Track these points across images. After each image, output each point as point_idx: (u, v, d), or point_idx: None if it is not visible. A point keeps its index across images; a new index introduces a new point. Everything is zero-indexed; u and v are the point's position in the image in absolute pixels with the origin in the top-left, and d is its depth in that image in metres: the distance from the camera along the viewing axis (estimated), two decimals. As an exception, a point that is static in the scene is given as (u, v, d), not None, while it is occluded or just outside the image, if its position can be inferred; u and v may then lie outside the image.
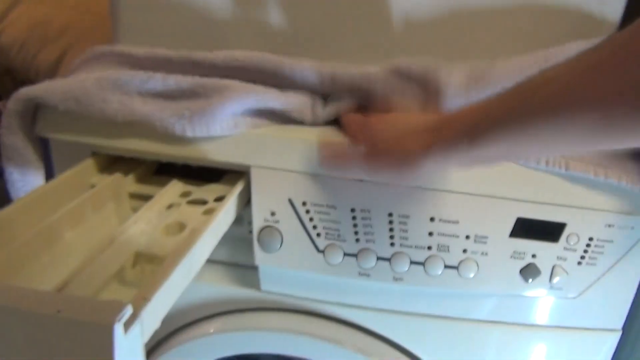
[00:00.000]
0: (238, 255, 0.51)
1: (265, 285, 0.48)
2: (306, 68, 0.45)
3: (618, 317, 0.47)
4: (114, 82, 0.46)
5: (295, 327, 0.48)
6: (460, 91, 0.41)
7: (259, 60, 0.46)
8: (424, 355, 0.49)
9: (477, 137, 0.32)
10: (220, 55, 0.47)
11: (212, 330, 0.50)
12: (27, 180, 0.50)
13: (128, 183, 0.48)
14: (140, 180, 0.50)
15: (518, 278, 0.44)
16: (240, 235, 0.50)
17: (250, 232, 0.49)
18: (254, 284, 0.49)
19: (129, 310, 0.27)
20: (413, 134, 0.37)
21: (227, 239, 0.49)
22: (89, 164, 0.48)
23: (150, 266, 0.38)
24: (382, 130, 0.40)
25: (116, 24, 0.52)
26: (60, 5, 1.09)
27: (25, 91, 0.45)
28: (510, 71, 0.42)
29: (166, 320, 0.49)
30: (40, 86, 0.46)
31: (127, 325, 0.27)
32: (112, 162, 0.51)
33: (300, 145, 0.43)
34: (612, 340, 0.48)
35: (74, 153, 0.49)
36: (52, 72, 1.05)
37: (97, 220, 0.44)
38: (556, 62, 0.29)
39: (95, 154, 0.49)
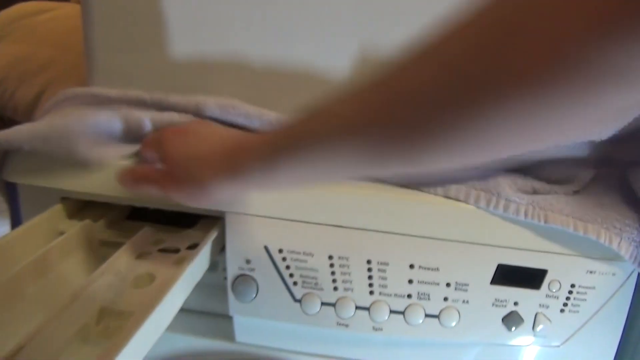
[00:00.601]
0: (212, 303, 0.49)
1: (240, 336, 0.46)
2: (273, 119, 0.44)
3: (604, 363, 0.46)
4: (83, 122, 0.45)
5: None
6: None
7: (227, 107, 0.45)
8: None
9: (270, 163, 0.30)
10: (192, 100, 0.47)
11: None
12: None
13: (98, 229, 0.47)
14: (112, 226, 0.48)
15: (501, 326, 0.43)
16: (215, 282, 0.48)
17: (225, 278, 0.48)
18: (229, 334, 0.47)
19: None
20: (206, 155, 0.34)
21: (201, 287, 0.47)
22: (57, 209, 0.47)
23: (117, 322, 0.36)
24: (174, 147, 0.37)
25: (90, 65, 0.52)
26: (42, 43, 1.09)
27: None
28: None
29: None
30: (7, 130, 0.44)
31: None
32: (83, 207, 0.49)
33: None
34: (598, 389, 0.46)
35: (43, 198, 0.47)
36: (30, 109, 1.04)
37: (63, 270, 0.42)
38: None
39: (64, 199, 0.48)
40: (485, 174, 0.43)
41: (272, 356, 0.46)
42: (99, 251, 0.46)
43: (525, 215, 0.40)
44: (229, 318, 0.47)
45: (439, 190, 0.42)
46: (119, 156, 0.45)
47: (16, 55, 0.99)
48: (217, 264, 0.48)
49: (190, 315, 0.49)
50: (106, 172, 0.45)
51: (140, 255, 0.42)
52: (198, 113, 0.46)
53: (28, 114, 1.05)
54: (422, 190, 0.42)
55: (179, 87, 0.49)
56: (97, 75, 0.52)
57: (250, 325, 0.46)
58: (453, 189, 0.41)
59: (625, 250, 0.40)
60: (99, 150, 0.44)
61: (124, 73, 0.51)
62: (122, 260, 0.41)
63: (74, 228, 0.44)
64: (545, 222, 0.39)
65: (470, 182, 0.42)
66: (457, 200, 0.41)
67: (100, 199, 0.47)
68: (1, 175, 0.46)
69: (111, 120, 0.45)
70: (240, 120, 0.45)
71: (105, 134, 0.46)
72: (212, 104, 0.46)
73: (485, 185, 0.41)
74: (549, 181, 0.44)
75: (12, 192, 0.48)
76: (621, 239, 0.40)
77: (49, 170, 0.45)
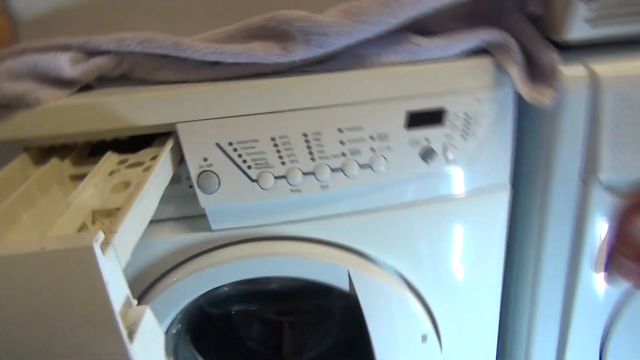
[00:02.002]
0: (185, 209, 0.56)
1: (214, 224, 0.54)
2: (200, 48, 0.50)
3: (505, 174, 0.58)
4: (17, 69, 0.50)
5: (249, 253, 0.54)
6: (338, 28, 0.48)
7: (146, 40, 0.51)
8: (366, 248, 0.58)
9: None
10: (113, 37, 0.52)
11: (174, 279, 0.55)
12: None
13: (66, 167, 0.52)
14: (77, 163, 0.54)
15: (419, 161, 0.53)
16: (182, 192, 0.55)
17: (190, 186, 0.55)
18: (206, 227, 0.55)
19: (101, 236, 0.32)
20: None
21: (172, 198, 0.55)
22: (23, 159, 0.52)
23: (109, 219, 0.43)
24: None
25: (15, 25, 0.55)
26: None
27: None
28: (380, 1, 0.49)
29: (134, 280, 0.55)
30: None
31: (103, 247, 0.32)
32: (45, 155, 0.54)
33: (216, 93, 0.49)
34: (505, 195, 0.58)
35: (7, 152, 0.52)
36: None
37: (46, 201, 0.48)
38: None
39: (27, 148, 0.53)
40: (394, 38, 0.51)
41: (245, 234, 0.55)
42: (71, 185, 0.52)
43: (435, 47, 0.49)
44: (202, 216, 0.55)
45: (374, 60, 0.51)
46: (56, 97, 0.50)
47: None
48: (180, 176, 0.55)
49: (172, 222, 0.56)
50: (55, 114, 0.50)
51: (112, 173, 0.49)
52: (120, 49, 0.52)
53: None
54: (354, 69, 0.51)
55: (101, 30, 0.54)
56: (22, 33, 0.55)
57: (220, 213, 0.54)
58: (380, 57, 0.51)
59: (516, 75, 0.50)
60: (34, 93, 0.49)
61: (47, 25, 0.55)
62: (97, 177, 0.47)
63: (44, 168, 0.49)
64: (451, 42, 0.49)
65: (386, 46, 0.51)
66: (381, 65, 0.50)
67: (59, 141, 0.53)
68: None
69: (36, 64, 0.50)
70: (167, 52, 0.51)
71: (37, 78, 0.51)
72: (131, 40, 0.52)
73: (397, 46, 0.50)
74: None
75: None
76: (514, 65, 0.50)
77: (6, 123, 0.50)
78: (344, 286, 0.56)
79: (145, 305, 0.36)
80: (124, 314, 0.33)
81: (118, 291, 0.33)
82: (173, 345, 0.66)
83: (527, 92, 0.50)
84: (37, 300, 0.32)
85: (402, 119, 0.52)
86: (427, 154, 0.53)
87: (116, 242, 0.35)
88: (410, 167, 0.53)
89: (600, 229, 0.57)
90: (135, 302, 0.36)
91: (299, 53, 0.49)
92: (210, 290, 0.58)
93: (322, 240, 0.57)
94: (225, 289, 0.70)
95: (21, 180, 0.50)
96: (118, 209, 0.43)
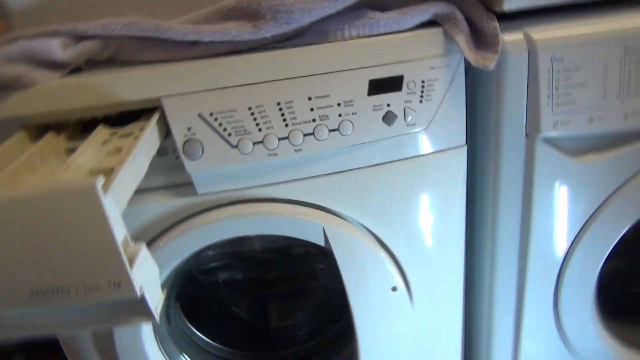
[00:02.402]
0: (172, 178, 0.61)
1: (200, 189, 0.60)
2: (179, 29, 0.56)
3: (460, 134, 0.64)
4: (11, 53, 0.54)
5: (232, 213, 0.60)
6: (301, 5, 0.54)
7: (129, 24, 0.56)
8: (339, 207, 0.63)
9: None
10: (99, 23, 0.57)
11: (161, 244, 0.61)
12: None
13: (61, 142, 0.57)
14: (71, 139, 0.59)
15: (383, 125, 0.60)
16: (169, 163, 0.61)
17: (177, 158, 0.60)
18: (191, 192, 0.60)
19: (102, 179, 0.37)
20: None
21: (160, 170, 0.60)
22: (21, 135, 0.56)
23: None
24: None
25: (5, 16, 0.60)
26: None
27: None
28: None
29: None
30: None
31: (104, 189, 0.38)
32: (41, 133, 0.59)
33: (197, 69, 0.55)
34: (462, 154, 0.65)
35: (4, 132, 0.57)
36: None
37: (46, 169, 0.52)
38: None
39: (24, 126, 0.57)
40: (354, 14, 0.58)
41: (229, 197, 0.61)
42: (67, 157, 0.57)
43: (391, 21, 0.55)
44: (189, 184, 0.60)
45: (337, 35, 0.57)
46: (49, 78, 0.55)
47: None
48: (166, 149, 0.60)
49: (161, 190, 0.61)
50: (49, 93, 0.55)
51: (104, 142, 0.54)
52: (105, 33, 0.57)
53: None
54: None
55: (88, 17, 0.59)
56: (14, 23, 0.60)
57: (205, 177, 0.59)
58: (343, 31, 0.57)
59: (463, 42, 0.56)
60: (29, 75, 0.54)
61: (36, 16, 0.59)
62: (92, 145, 0.52)
63: (42, 140, 0.54)
64: (405, 15, 0.55)
65: (347, 22, 0.57)
66: (344, 39, 0.56)
67: (51, 118, 0.58)
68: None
69: (29, 49, 0.55)
70: (149, 34, 0.56)
71: (31, 62, 0.56)
72: (115, 24, 0.57)
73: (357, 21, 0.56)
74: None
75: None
76: (460, 33, 0.57)
77: (3, 103, 0.55)
78: (320, 242, 0.62)
79: (141, 242, 0.41)
80: (124, 246, 0.39)
81: (118, 228, 0.38)
82: (165, 309, 0.71)
83: (473, 57, 0.57)
84: (47, 237, 0.37)
85: (365, 86, 0.58)
86: (389, 118, 0.59)
87: (114, 187, 0.40)
88: (374, 131, 0.59)
89: (548, 182, 0.64)
90: (132, 242, 0.42)
91: (269, 30, 0.55)
92: (197, 253, 0.63)
93: (298, 201, 0.62)
94: (211, 253, 0.75)
95: (17, 155, 0.55)
96: (111, 168, 0.48)
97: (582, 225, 0.66)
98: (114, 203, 0.39)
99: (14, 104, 0.55)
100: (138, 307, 0.38)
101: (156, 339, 0.68)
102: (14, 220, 0.37)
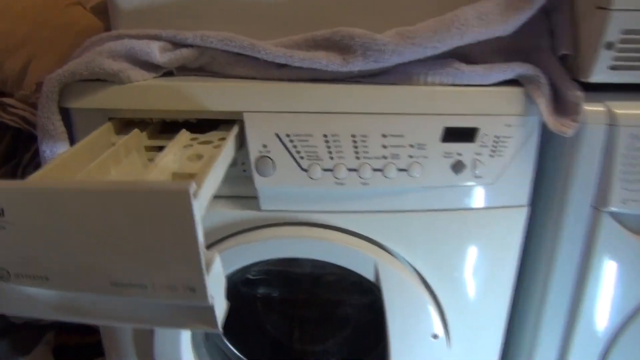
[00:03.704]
0: (237, 190, 0.63)
1: (264, 205, 0.62)
2: (272, 50, 0.58)
3: (524, 194, 0.64)
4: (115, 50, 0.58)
5: (291, 234, 0.61)
6: (393, 47, 0.56)
7: (226, 39, 0.59)
8: (392, 244, 0.64)
9: None
10: (198, 34, 0.60)
11: (227, 246, 0.62)
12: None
13: (143, 138, 0.60)
14: (151, 137, 0.62)
15: (450, 172, 0.60)
16: (237, 174, 0.63)
17: (244, 170, 0.62)
18: (255, 207, 0.62)
19: (194, 185, 0.39)
20: None
21: (227, 179, 0.62)
22: (107, 127, 0.59)
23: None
24: None
25: (113, 14, 0.64)
26: (20, 20, 1.17)
27: (54, 74, 0.56)
28: (431, 28, 0.57)
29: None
30: (62, 69, 0.57)
31: (194, 194, 0.39)
32: (125, 126, 0.62)
33: (282, 91, 0.57)
34: (523, 214, 0.65)
35: (93, 120, 0.60)
36: (20, 80, 1.13)
37: (128, 163, 0.55)
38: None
39: (111, 119, 0.61)
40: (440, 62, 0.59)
41: (289, 217, 0.62)
42: (147, 154, 0.60)
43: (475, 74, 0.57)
44: (251, 198, 0.62)
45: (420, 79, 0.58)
46: (144, 77, 0.59)
47: (-2, 32, 1.08)
48: (236, 160, 0.62)
49: (222, 199, 0.63)
50: (140, 92, 0.58)
51: (185, 146, 0.56)
52: (203, 44, 0.60)
53: (19, 83, 1.15)
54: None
55: (188, 26, 0.62)
56: (119, 23, 0.64)
57: (271, 194, 0.61)
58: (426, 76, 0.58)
59: (543, 106, 0.57)
60: (127, 72, 0.58)
61: (143, 18, 0.63)
62: (175, 148, 0.55)
63: (128, 135, 0.57)
64: (490, 71, 0.57)
65: (432, 68, 0.58)
66: (426, 84, 0.58)
67: (137, 115, 0.61)
68: (60, 103, 0.58)
69: (131, 48, 0.59)
70: (243, 51, 0.59)
71: (130, 60, 0.59)
72: (213, 37, 0.60)
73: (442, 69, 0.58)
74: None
75: (67, 118, 0.60)
76: (542, 96, 0.57)
77: (98, 95, 0.58)
78: (370, 276, 0.62)
79: (214, 250, 0.42)
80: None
81: (200, 234, 0.40)
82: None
83: (552, 122, 0.57)
84: (135, 232, 0.39)
85: (439, 132, 0.59)
86: (458, 167, 0.60)
87: (201, 194, 0.42)
88: (442, 177, 0.60)
89: (607, 256, 0.63)
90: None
91: (357, 65, 0.57)
92: (245, 267, 0.64)
93: (352, 232, 0.63)
94: (257, 269, 0.76)
95: (105, 144, 0.58)
96: (192, 174, 0.50)
97: (636, 306, 0.65)
98: (199, 208, 0.41)
99: (107, 97, 0.58)
100: (205, 315, 0.39)
101: (192, 344, 0.69)
102: (107, 209, 0.39)
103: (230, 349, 0.82)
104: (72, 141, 0.62)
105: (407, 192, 0.62)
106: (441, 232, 0.64)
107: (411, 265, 0.66)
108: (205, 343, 0.75)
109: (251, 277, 0.79)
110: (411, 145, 0.59)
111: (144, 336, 0.67)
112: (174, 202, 0.38)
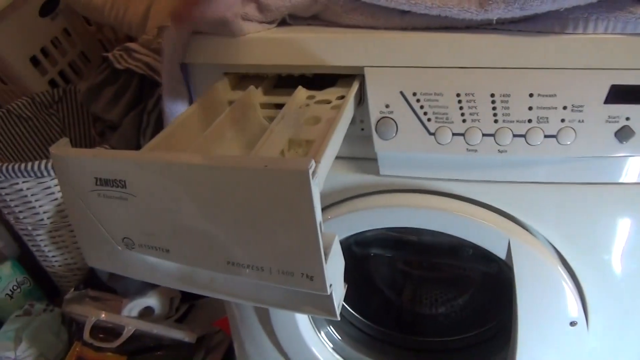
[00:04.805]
0: (355, 150, 0.59)
1: (383, 170, 0.56)
2: None
3: None
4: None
5: (412, 203, 0.56)
6: None
7: None
8: (526, 219, 0.56)
9: None
10: None
11: (329, 217, 0.59)
12: (178, 110, 0.60)
13: (258, 95, 0.57)
14: (266, 93, 0.59)
15: (613, 141, 0.49)
16: (354, 133, 0.58)
17: (362, 129, 0.57)
18: (373, 170, 0.57)
19: (313, 163, 0.35)
20: None
21: (344, 138, 0.58)
22: (224, 82, 0.57)
23: (301, 149, 0.47)
24: None
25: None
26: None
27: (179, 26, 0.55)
28: None
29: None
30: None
31: (313, 174, 0.35)
32: (240, 81, 0.60)
33: (408, 42, 0.50)
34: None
35: (209, 75, 0.58)
36: (143, 24, 1.16)
37: (245, 123, 0.53)
38: None
39: (226, 74, 0.58)
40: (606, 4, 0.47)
41: (410, 184, 0.56)
42: (262, 112, 0.57)
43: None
44: (369, 160, 0.57)
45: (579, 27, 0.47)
46: (257, 30, 0.54)
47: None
48: (354, 118, 0.57)
49: (339, 160, 0.59)
50: (256, 45, 0.54)
51: (301, 107, 0.52)
52: None
53: (142, 28, 1.18)
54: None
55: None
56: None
57: (391, 159, 0.56)
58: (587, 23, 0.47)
59: None
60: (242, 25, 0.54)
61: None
62: (291, 109, 0.51)
63: (243, 93, 0.54)
64: None
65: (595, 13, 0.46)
66: (585, 33, 0.47)
67: (252, 70, 0.57)
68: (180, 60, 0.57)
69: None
70: None
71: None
72: None
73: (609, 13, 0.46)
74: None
75: (185, 72, 0.59)
76: None
77: (211, 49, 0.56)
78: (501, 254, 0.56)
79: (333, 233, 0.39)
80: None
81: (318, 216, 0.37)
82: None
83: None
84: (253, 212, 0.36)
85: (603, 92, 0.48)
86: (623, 134, 0.49)
87: (319, 172, 0.38)
88: (601, 145, 0.50)
89: None
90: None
91: (497, 12, 0.47)
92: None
93: (483, 204, 0.56)
94: (373, 232, 0.73)
95: (221, 101, 0.56)
96: (309, 141, 0.47)
97: None
98: (317, 187, 0.37)
99: (221, 51, 0.55)
100: (323, 302, 0.37)
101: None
102: (218, 186, 0.37)
103: (343, 305, 0.82)
104: (190, 94, 0.61)
105: (551, 161, 0.52)
106: (589, 208, 0.54)
107: (550, 243, 0.57)
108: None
109: (365, 237, 0.76)
110: (564, 107, 0.49)
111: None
112: (291, 182, 0.35)
